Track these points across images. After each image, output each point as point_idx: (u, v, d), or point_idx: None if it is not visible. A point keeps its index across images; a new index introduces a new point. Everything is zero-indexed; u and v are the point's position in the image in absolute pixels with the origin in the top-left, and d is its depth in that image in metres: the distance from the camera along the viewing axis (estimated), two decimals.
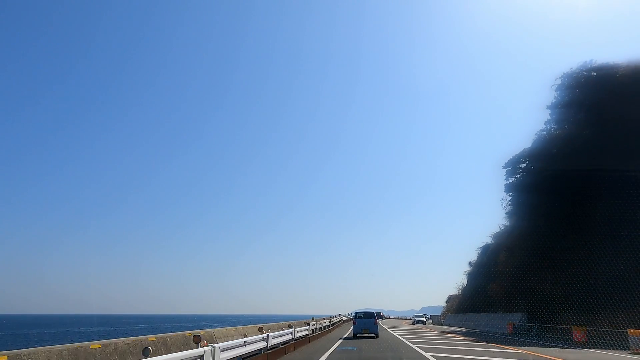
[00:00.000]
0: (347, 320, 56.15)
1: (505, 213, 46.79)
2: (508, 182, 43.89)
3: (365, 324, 24.47)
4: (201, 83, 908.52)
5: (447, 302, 71.25)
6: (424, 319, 62.11)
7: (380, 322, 52.27)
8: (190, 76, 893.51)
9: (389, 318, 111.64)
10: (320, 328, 28.26)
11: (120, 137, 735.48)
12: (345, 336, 26.43)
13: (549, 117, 40.97)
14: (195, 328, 33.32)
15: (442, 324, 59.90)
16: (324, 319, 36.18)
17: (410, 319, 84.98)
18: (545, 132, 40.72)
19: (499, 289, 39.97)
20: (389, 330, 36.80)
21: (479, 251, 54.10)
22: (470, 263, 58.36)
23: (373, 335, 24.31)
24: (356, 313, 26.02)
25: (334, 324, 40.28)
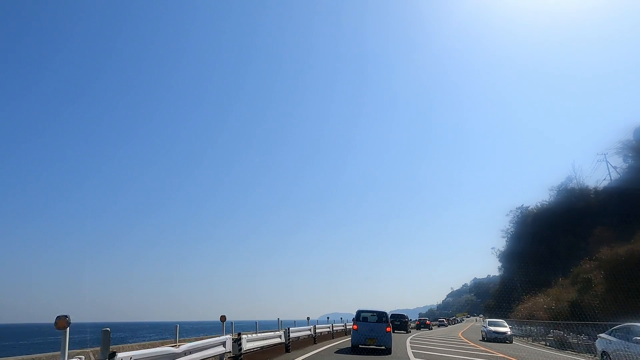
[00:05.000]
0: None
1: None
2: None
3: (372, 329, 16.04)
4: (214, 88, 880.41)
5: None
6: (507, 331, 29.17)
7: (419, 335, 32.07)
8: (203, 81, 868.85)
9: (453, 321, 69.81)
10: None
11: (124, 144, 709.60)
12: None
13: None
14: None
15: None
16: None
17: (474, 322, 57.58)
18: None
19: None
20: None
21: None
22: None
23: (383, 347, 16.13)
24: (359, 312, 16.95)
25: None
